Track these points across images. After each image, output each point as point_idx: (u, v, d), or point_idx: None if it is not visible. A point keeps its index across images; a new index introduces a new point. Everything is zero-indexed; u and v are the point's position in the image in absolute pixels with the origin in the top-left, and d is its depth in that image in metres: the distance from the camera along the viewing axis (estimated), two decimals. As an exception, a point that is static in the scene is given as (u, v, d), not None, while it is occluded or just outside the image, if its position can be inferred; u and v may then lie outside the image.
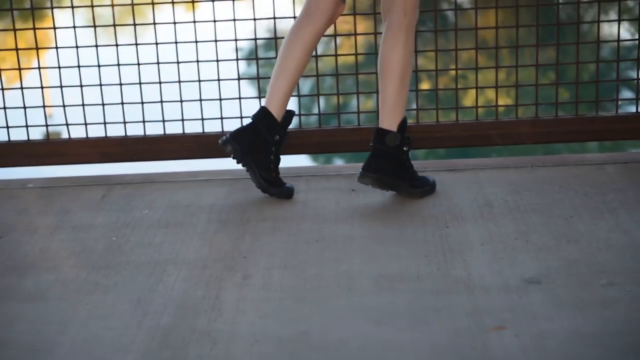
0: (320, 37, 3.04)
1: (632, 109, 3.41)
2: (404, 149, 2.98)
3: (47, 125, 3.44)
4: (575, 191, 3.04)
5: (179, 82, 3.41)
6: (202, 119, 3.40)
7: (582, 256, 2.58)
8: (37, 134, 3.53)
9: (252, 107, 3.41)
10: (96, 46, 3.40)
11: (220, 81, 3.41)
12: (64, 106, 3.41)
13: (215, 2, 3.40)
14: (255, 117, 3.04)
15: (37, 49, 3.40)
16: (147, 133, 3.42)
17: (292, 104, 3.32)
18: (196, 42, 3.39)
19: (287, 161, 3.56)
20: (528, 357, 2.10)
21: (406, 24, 2.93)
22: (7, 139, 3.43)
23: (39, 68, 3.42)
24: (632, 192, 3.01)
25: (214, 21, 3.39)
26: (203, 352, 2.19)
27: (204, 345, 2.22)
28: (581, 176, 3.16)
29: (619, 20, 3.36)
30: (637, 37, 3.44)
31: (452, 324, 2.26)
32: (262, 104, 3.05)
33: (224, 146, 3.02)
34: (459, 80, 3.47)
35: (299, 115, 3.43)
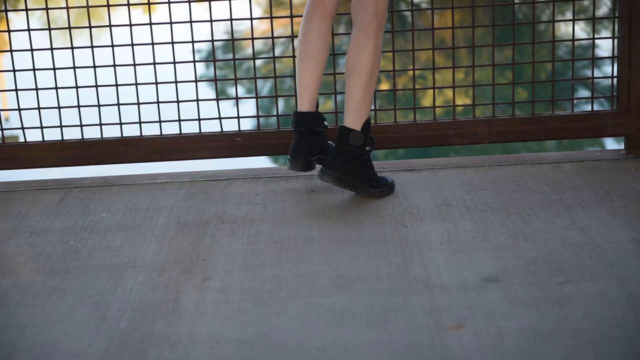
0: (334, 15, 3.06)
1: (589, 107, 3.45)
2: (367, 148, 2.99)
3: (2, 129, 3.41)
4: (532, 190, 3.07)
5: (136, 84, 3.39)
6: (160, 121, 3.39)
7: (539, 254, 2.60)
8: (-8, 138, 3.50)
9: (209, 109, 3.41)
10: (51, 49, 3.38)
11: (178, 83, 3.39)
12: (19, 110, 3.38)
13: (171, 4, 3.39)
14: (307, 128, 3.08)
15: (-8, 52, 3.37)
16: (105, 136, 3.40)
17: (251, 106, 3.31)
18: (153, 44, 3.38)
19: (246, 163, 3.57)
20: (486, 355, 2.12)
21: (376, 24, 2.94)
22: (-38, 143, 3.39)
23: (-6, 71, 3.39)
24: (588, 190, 3.04)
25: (171, 23, 3.37)
26: (162, 356, 2.18)
27: (163, 349, 2.21)
28: (538, 175, 3.19)
29: (574, 20, 3.39)
30: (592, 36, 3.47)
31: (411, 323, 2.27)
32: (297, 109, 3.09)
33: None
34: (418, 81, 3.49)
35: (257, 117, 3.43)
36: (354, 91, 2.95)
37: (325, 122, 3.12)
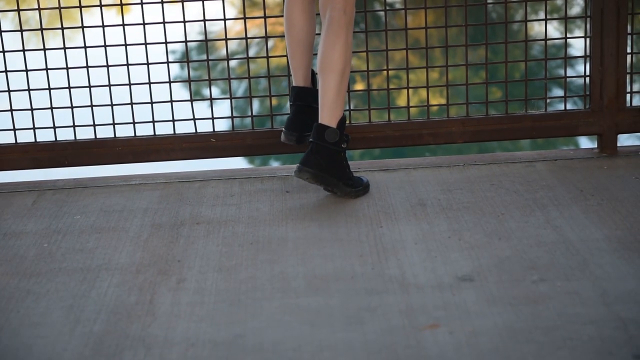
0: None
1: (562, 106, 3.46)
2: (342, 146, 3.00)
3: (-26, 132, 3.39)
4: (506, 189, 3.08)
5: (109, 85, 3.37)
6: (134, 123, 3.38)
7: (514, 253, 2.61)
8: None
9: (183, 110, 3.40)
10: (23, 50, 3.35)
11: (152, 84, 3.38)
12: (-9, 112, 3.36)
13: (144, 5, 3.37)
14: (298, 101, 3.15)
15: (-36, 54, 3.34)
16: (78, 138, 3.38)
17: (226, 107, 3.30)
18: (125, 45, 3.36)
19: (221, 164, 3.56)
20: (461, 354, 2.12)
21: (346, 21, 2.95)
22: None
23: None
24: (561, 189, 3.06)
25: (144, 24, 3.36)
26: (137, 358, 2.18)
27: (138, 351, 2.20)
28: (512, 174, 3.21)
29: (546, 20, 3.41)
30: (565, 36, 3.49)
31: (386, 322, 2.27)
32: (293, 84, 3.16)
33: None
34: (393, 81, 3.49)
35: (232, 117, 3.42)
36: (328, 89, 2.96)
37: None
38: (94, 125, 3.38)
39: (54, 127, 3.37)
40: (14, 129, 3.36)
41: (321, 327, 2.27)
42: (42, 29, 3.36)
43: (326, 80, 2.96)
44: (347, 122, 3.37)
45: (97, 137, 3.38)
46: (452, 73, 3.45)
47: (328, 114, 2.98)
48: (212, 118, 3.38)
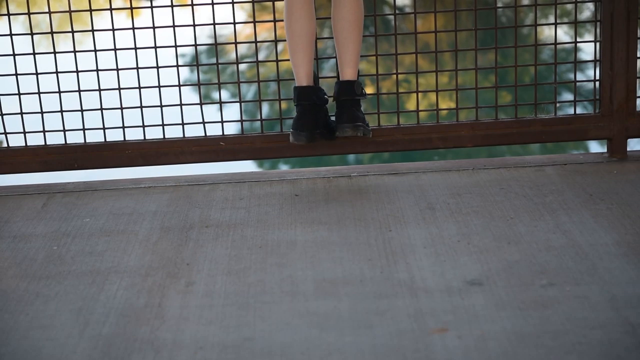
0: None
1: (572, 110, 3.46)
2: (364, 92, 3.16)
3: (-15, 135, 3.40)
4: (516, 193, 3.07)
5: (119, 89, 3.38)
6: (144, 126, 3.38)
7: (523, 257, 2.61)
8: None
9: (193, 114, 3.40)
10: (34, 54, 3.37)
11: (161, 87, 3.39)
12: (1, 115, 3.37)
13: (155, 9, 3.38)
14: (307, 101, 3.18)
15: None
16: (88, 141, 3.39)
17: (235, 110, 3.29)
18: (135, 48, 3.37)
19: (230, 167, 3.56)
20: (470, 358, 2.12)
21: None
22: (-56, 148, 3.38)
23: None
24: (571, 193, 3.05)
25: (153, 27, 3.37)
26: (146, 361, 2.18)
27: (146, 354, 2.21)
28: (521, 178, 3.20)
29: (556, 24, 3.41)
30: (574, 40, 3.48)
31: (395, 326, 2.27)
32: (296, 84, 3.18)
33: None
34: (403, 84, 3.49)
35: (241, 121, 3.43)
36: (352, 45, 3.12)
37: (325, 96, 3.20)
38: (104, 128, 3.38)
39: (64, 130, 3.38)
40: (24, 132, 3.37)
41: (330, 331, 2.27)
42: (52, 32, 3.38)
43: (352, 36, 3.10)
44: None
45: (107, 140, 3.39)
46: (462, 77, 3.45)
47: (352, 70, 3.13)
48: (222, 121, 3.39)
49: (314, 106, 3.16)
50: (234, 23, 3.39)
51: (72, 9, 3.35)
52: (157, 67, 3.38)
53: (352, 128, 3.10)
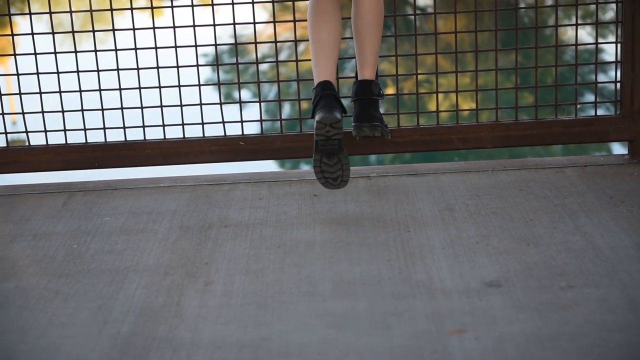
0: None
1: (592, 112, 3.44)
2: (381, 93, 3.13)
3: (6, 133, 3.42)
4: (535, 195, 3.06)
5: (139, 88, 3.39)
6: (163, 125, 3.39)
7: (542, 259, 2.60)
8: (-4, 142, 3.51)
9: (213, 113, 3.41)
10: (55, 53, 3.38)
11: (181, 87, 3.40)
12: (23, 113, 3.39)
13: (175, 8, 3.39)
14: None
15: (-4, 56, 3.38)
16: (108, 140, 3.40)
17: (255, 110, 3.28)
18: (156, 48, 3.38)
19: (250, 167, 3.57)
20: (488, 360, 2.12)
21: None
22: (-34, 146, 3.40)
23: (-2, 75, 3.40)
24: (591, 195, 3.04)
25: (174, 27, 3.38)
26: (164, 360, 2.19)
27: (165, 353, 2.21)
28: (541, 179, 3.19)
29: (577, 25, 3.39)
30: (596, 41, 3.46)
31: (412, 327, 2.27)
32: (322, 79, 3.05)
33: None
34: (424, 85, 3.49)
35: (261, 121, 3.43)
36: (372, 45, 3.09)
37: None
38: (124, 127, 3.40)
39: (85, 129, 3.39)
40: (45, 131, 3.39)
41: (347, 331, 2.26)
42: (73, 32, 3.39)
43: (371, 37, 3.07)
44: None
45: (127, 139, 3.40)
46: (483, 77, 3.43)
47: (372, 70, 3.11)
48: (242, 121, 3.39)
49: (336, 96, 3.02)
50: (254, 23, 3.39)
51: (93, 9, 3.36)
52: (178, 67, 3.39)
53: (370, 127, 3.08)
